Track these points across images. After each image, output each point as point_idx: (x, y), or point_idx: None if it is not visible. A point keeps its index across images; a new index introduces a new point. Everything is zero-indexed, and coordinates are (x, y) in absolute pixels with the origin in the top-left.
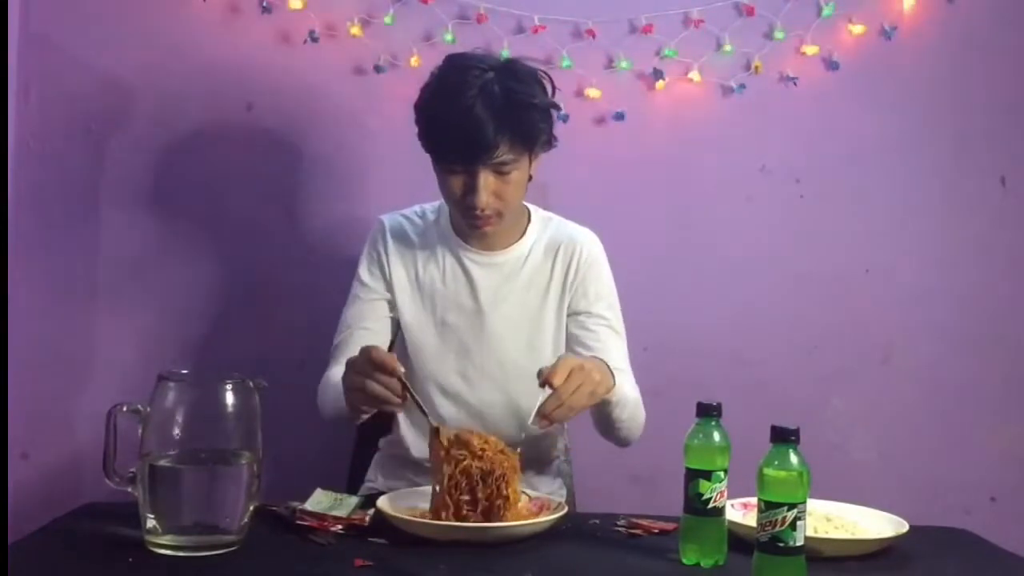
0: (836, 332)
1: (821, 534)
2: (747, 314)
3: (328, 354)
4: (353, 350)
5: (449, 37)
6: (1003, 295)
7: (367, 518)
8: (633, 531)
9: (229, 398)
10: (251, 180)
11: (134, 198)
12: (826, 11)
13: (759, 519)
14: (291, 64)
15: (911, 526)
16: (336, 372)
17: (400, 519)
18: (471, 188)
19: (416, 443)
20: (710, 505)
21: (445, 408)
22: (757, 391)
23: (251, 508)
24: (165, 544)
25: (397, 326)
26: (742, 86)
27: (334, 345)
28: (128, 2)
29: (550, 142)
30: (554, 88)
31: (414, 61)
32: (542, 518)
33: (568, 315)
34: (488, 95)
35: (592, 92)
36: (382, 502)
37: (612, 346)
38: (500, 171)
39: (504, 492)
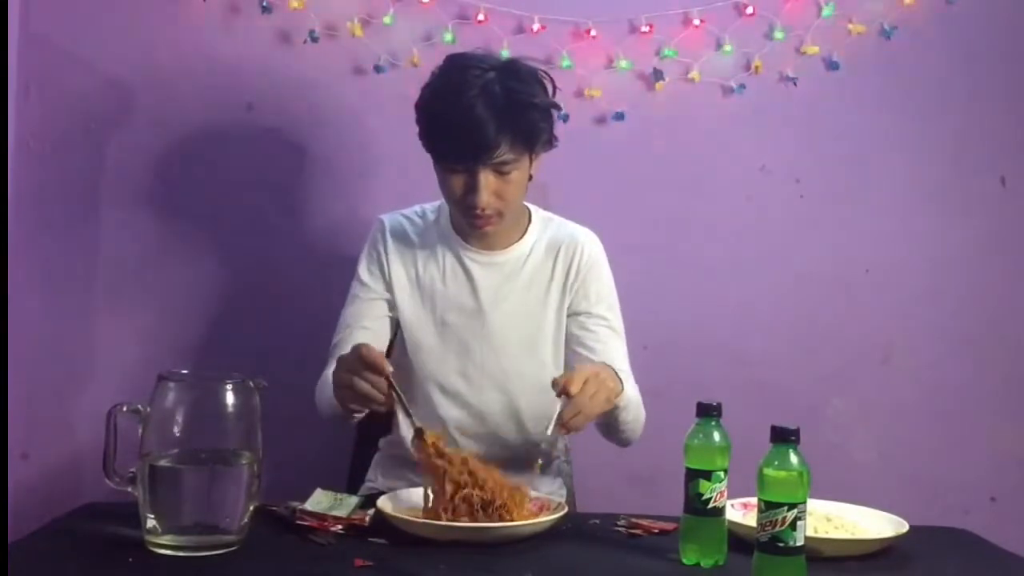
0: (836, 332)
1: (821, 534)
2: (747, 314)
3: (328, 354)
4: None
5: (449, 37)
6: (1003, 295)
7: (367, 518)
8: (633, 531)
9: (229, 398)
10: (251, 180)
11: (134, 198)
12: (826, 11)
13: (759, 519)
14: (291, 64)
15: (911, 526)
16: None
17: (400, 519)
18: (472, 188)
19: None
20: (710, 505)
21: (445, 408)
22: (757, 391)
23: (251, 508)
24: (165, 544)
25: (397, 326)
26: (742, 86)
27: (333, 344)
28: (128, 2)
29: (551, 142)
30: (555, 88)
31: (414, 61)
32: (542, 518)
33: (568, 315)
34: (489, 95)
35: (592, 92)
36: (382, 502)
37: (612, 347)
38: (501, 171)
39: (505, 519)
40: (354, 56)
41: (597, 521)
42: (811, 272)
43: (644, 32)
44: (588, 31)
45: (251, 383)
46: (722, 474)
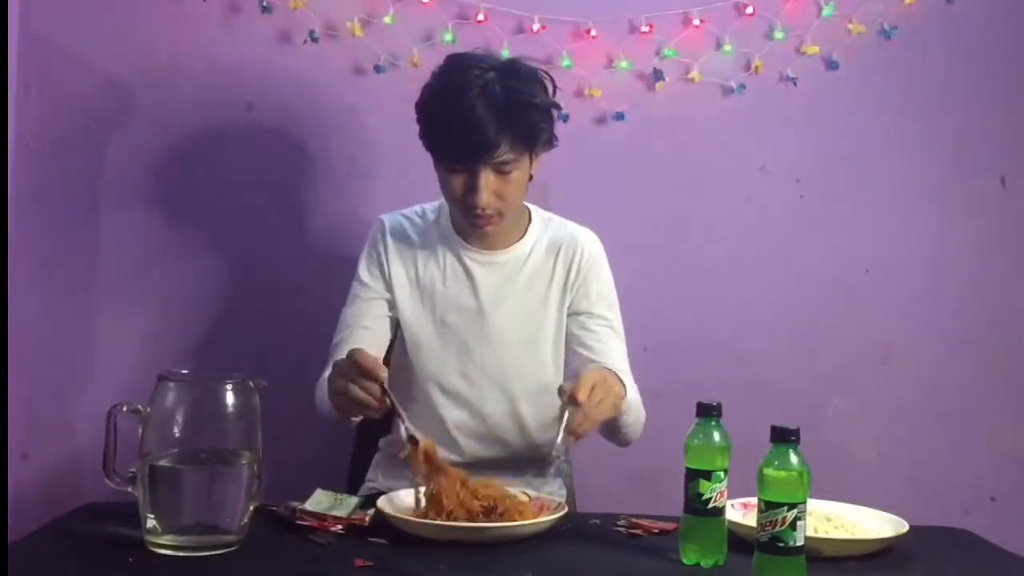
0: (836, 332)
1: (821, 534)
2: (747, 314)
3: (328, 354)
4: None
5: (449, 37)
6: (1003, 295)
7: (367, 518)
8: (633, 531)
9: (229, 398)
10: (251, 180)
11: (134, 198)
12: (826, 11)
13: (759, 519)
14: (291, 64)
15: (911, 526)
16: None
17: (400, 519)
18: (472, 188)
19: None
20: (710, 505)
21: (445, 408)
22: (757, 391)
23: (251, 508)
24: (165, 544)
25: (397, 325)
26: (742, 86)
27: (333, 344)
28: (128, 2)
29: (551, 142)
30: (555, 88)
31: (414, 61)
32: (542, 518)
33: (568, 315)
34: (489, 95)
35: (592, 92)
36: (382, 502)
37: (612, 347)
38: (501, 171)
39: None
40: (354, 56)
41: (597, 521)
42: (811, 272)
43: (644, 32)
44: (588, 31)
45: (251, 383)
46: (722, 474)
